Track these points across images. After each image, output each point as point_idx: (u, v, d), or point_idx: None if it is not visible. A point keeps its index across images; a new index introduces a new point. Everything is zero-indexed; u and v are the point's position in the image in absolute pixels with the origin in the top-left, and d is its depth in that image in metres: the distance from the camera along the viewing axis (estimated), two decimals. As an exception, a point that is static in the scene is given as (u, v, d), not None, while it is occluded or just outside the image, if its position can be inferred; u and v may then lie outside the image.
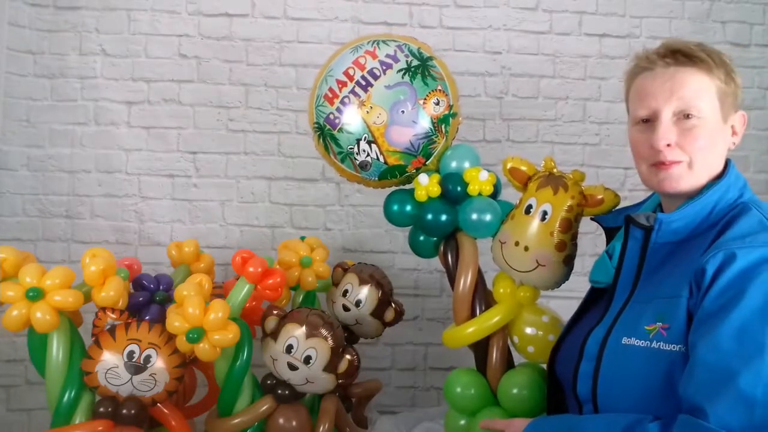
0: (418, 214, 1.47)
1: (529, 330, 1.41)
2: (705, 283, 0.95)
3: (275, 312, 1.54)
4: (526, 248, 1.34)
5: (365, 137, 1.43)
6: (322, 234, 2.19)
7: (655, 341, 0.99)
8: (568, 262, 1.36)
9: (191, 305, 1.37)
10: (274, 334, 1.51)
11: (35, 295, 1.32)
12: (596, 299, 1.23)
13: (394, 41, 1.47)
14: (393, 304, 1.78)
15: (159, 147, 2.18)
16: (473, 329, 1.43)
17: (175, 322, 1.37)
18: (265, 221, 2.21)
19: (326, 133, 1.47)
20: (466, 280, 1.44)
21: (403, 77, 1.42)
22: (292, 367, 1.48)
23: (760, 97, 2.34)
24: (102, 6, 2.16)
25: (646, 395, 0.99)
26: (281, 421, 1.53)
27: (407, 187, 1.53)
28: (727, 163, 1.11)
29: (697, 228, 1.05)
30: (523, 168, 1.42)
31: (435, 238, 1.51)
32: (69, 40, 2.15)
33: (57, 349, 1.39)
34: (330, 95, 1.45)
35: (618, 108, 2.31)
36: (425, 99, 1.43)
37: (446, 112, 1.46)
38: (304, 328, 1.50)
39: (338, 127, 1.44)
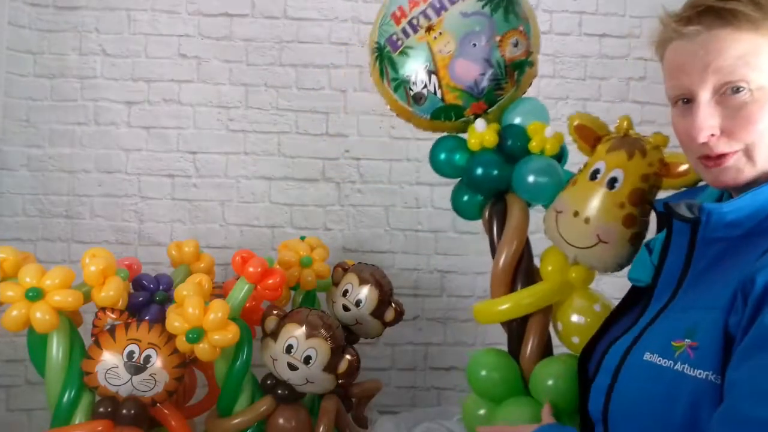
0: (467, 166, 1.29)
1: (575, 318, 1.19)
2: (754, 300, 0.72)
3: (275, 312, 1.55)
4: (587, 220, 1.11)
5: (426, 66, 1.27)
6: (322, 234, 2.19)
7: (679, 362, 0.78)
8: (635, 242, 1.11)
9: (191, 305, 1.37)
10: (274, 334, 1.51)
11: (35, 295, 1.32)
12: (637, 301, 1.00)
13: None
14: (393, 304, 1.78)
15: (159, 147, 2.18)
16: (508, 306, 1.23)
17: (175, 322, 1.37)
18: (265, 221, 2.21)
19: (385, 55, 1.32)
20: (509, 251, 1.24)
21: (483, 7, 1.25)
22: (292, 367, 1.48)
23: (760, 97, 2.34)
24: (102, 6, 2.16)
25: (663, 426, 0.80)
26: (281, 421, 1.53)
27: (461, 136, 1.34)
28: None
29: (761, 223, 0.80)
30: (593, 126, 1.19)
31: (481, 198, 1.33)
32: (69, 40, 2.15)
33: (57, 349, 1.39)
34: (398, 14, 1.29)
35: (618, 108, 2.30)
36: (503, 36, 1.25)
37: (523, 58, 1.29)
38: (304, 328, 1.50)
39: (399, 50, 1.29)
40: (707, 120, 0.80)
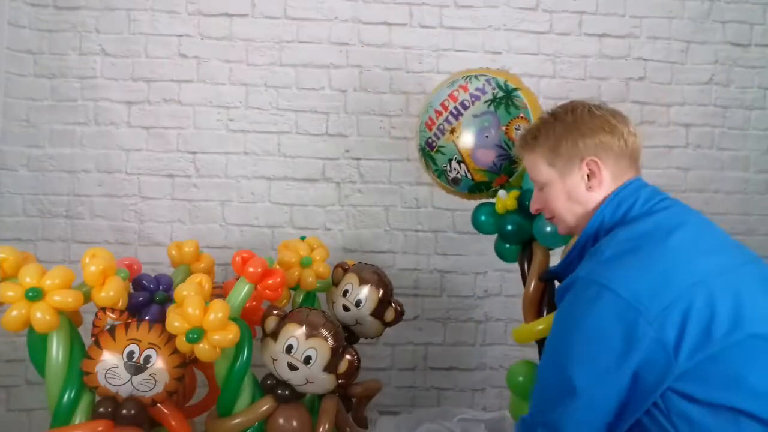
0: (499, 223, 1.66)
1: None
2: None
3: (275, 312, 1.54)
4: None
5: (456, 158, 1.64)
6: (322, 234, 2.19)
7: None
8: None
9: (191, 305, 1.36)
10: (274, 334, 1.51)
11: (35, 295, 1.32)
12: None
13: (485, 76, 1.67)
14: (393, 304, 1.78)
15: (159, 147, 2.18)
16: (542, 327, 1.55)
17: (175, 322, 1.37)
18: (265, 221, 2.21)
19: (426, 153, 1.70)
20: (535, 285, 1.60)
21: (488, 107, 1.62)
22: (292, 367, 1.48)
23: (760, 97, 2.34)
24: (102, 6, 2.16)
25: None
26: (281, 421, 1.53)
27: (493, 200, 1.70)
28: None
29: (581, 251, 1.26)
30: None
31: (515, 246, 1.70)
32: (69, 40, 2.15)
33: (57, 349, 1.39)
34: (429, 123, 1.68)
35: (618, 108, 2.30)
36: (507, 125, 1.61)
37: None
38: (304, 328, 1.50)
39: (435, 149, 1.67)
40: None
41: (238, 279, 1.51)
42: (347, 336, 1.71)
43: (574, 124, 1.22)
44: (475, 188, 1.68)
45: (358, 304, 1.73)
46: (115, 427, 1.40)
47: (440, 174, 1.70)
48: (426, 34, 2.25)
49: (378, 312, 1.74)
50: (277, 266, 1.66)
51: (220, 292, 1.60)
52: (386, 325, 1.78)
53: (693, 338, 0.96)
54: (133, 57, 2.17)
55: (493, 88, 1.64)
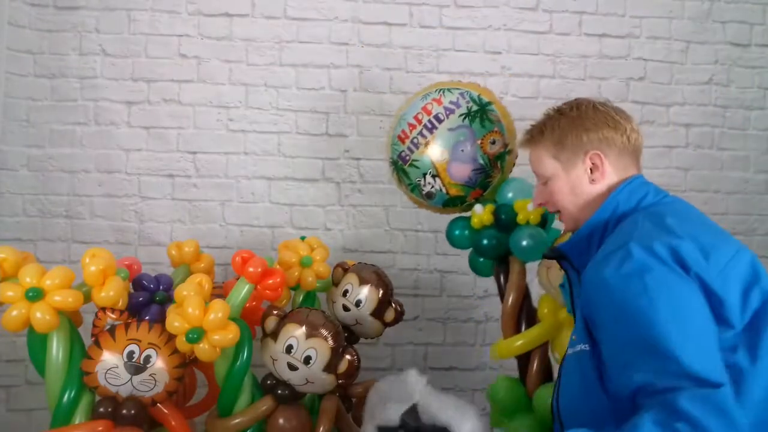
0: (475, 238, 1.65)
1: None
2: (584, 290, 1.11)
3: (275, 312, 1.54)
4: None
5: (430, 172, 1.62)
6: (322, 234, 2.19)
7: (573, 346, 1.14)
8: None
9: (191, 305, 1.36)
10: (274, 334, 1.51)
11: (35, 295, 1.32)
12: None
13: (458, 89, 1.65)
14: (393, 304, 1.78)
15: (159, 147, 2.18)
16: (521, 342, 1.60)
17: (175, 322, 1.37)
18: (265, 221, 2.21)
19: (399, 167, 1.69)
20: (513, 299, 1.64)
21: (463, 120, 1.61)
22: (292, 367, 1.48)
23: (760, 97, 2.34)
24: (102, 6, 2.16)
25: (579, 397, 1.10)
26: (281, 421, 1.53)
27: (467, 214, 1.70)
28: None
29: (590, 239, 1.24)
30: None
31: (490, 260, 1.71)
32: (69, 40, 2.15)
33: (57, 349, 1.39)
34: (402, 136, 1.66)
35: (618, 108, 2.30)
36: (482, 140, 1.61)
37: (502, 151, 1.64)
38: (304, 328, 1.50)
39: (408, 163, 1.65)
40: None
41: (238, 279, 1.51)
42: (347, 336, 1.71)
43: (578, 118, 1.24)
44: (450, 202, 1.67)
45: (358, 304, 1.72)
46: (115, 427, 1.40)
47: (413, 188, 1.68)
48: (426, 34, 2.25)
49: (378, 312, 1.74)
50: (277, 266, 1.66)
51: (220, 292, 1.60)
52: (386, 325, 1.77)
53: (742, 297, 1.01)
54: (133, 57, 2.17)
55: (468, 102, 1.62)
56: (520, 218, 1.59)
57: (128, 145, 2.17)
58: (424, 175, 1.63)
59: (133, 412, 1.40)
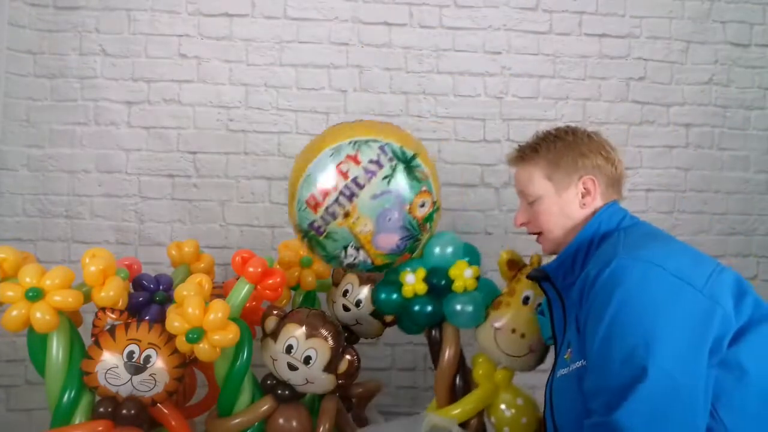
0: (405, 303, 1.51)
1: (503, 408, 1.52)
2: (589, 287, 1.11)
3: (275, 312, 1.54)
4: (523, 335, 1.46)
5: (352, 244, 1.43)
6: (322, 234, 2.19)
7: (569, 365, 1.16)
8: (547, 348, 1.50)
9: (191, 305, 1.36)
10: (274, 334, 1.51)
11: (35, 295, 1.32)
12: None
13: (375, 141, 1.41)
14: (393, 304, 1.77)
15: (159, 147, 2.18)
16: (458, 411, 1.53)
17: (174, 322, 1.37)
18: (265, 221, 2.21)
19: (311, 237, 1.46)
20: (448, 362, 1.55)
21: (388, 185, 1.39)
22: (292, 368, 1.48)
23: (760, 97, 2.35)
24: (102, 6, 2.16)
25: (580, 416, 1.09)
26: (281, 421, 1.53)
27: (394, 275, 1.53)
28: None
29: (575, 256, 1.27)
30: (517, 260, 1.56)
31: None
32: (69, 40, 2.15)
33: (57, 349, 1.39)
34: (313, 203, 1.42)
35: (618, 108, 2.31)
36: (411, 205, 1.42)
37: (431, 211, 1.48)
38: (304, 328, 1.50)
39: (323, 235, 1.43)
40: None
41: (238, 279, 1.51)
42: (347, 336, 1.71)
43: (574, 143, 1.28)
44: (375, 269, 1.52)
45: (358, 304, 1.72)
46: (115, 427, 1.40)
47: (331, 259, 1.49)
48: (426, 34, 2.25)
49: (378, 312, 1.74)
50: (277, 266, 1.66)
51: (220, 292, 1.60)
52: (386, 325, 1.77)
53: (734, 305, 1.05)
54: (133, 57, 2.17)
55: (390, 159, 1.40)
56: (457, 285, 1.48)
57: (128, 145, 2.17)
58: (345, 247, 1.44)
59: (133, 412, 1.40)
